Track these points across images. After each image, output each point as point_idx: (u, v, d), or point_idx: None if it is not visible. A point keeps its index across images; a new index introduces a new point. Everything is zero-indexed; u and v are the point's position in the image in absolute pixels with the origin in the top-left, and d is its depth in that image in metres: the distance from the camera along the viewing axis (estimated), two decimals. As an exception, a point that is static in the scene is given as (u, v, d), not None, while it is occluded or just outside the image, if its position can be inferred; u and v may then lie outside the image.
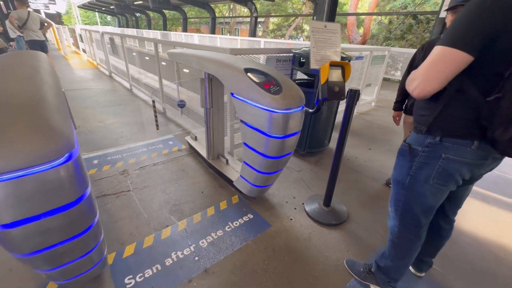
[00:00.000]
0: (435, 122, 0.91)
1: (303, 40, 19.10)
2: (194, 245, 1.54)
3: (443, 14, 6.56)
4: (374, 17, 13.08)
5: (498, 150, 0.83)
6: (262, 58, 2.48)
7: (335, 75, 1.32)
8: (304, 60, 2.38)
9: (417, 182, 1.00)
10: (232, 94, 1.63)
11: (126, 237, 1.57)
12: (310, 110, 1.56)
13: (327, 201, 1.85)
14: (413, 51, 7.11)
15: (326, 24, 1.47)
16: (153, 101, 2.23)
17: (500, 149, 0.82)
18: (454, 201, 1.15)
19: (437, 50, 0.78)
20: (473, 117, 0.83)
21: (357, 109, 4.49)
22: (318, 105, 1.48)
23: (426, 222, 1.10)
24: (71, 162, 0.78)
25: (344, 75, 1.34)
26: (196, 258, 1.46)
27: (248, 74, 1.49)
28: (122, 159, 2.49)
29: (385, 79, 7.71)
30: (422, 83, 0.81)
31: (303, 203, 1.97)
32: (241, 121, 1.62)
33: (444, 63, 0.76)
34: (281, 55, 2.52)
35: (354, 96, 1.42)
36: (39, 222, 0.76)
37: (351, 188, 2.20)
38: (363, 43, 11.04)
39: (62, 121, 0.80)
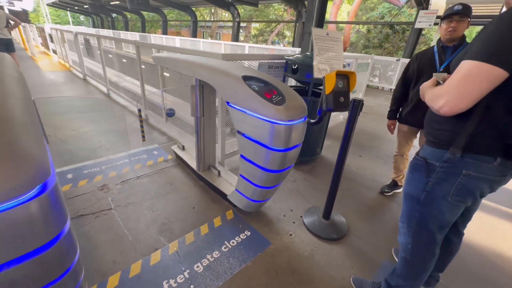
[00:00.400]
0: (458, 138, 0.86)
1: (284, 46, 19.43)
2: (188, 271, 1.39)
3: (417, 25, 6.94)
4: (353, 25, 13.62)
5: None
6: (253, 64, 2.39)
7: (340, 84, 1.26)
8: (296, 67, 2.32)
9: (435, 198, 0.95)
10: (228, 103, 1.51)
11: (108, 266, 1.38)
12: (312, 121, 1.49)
13: (327, 213, 1.78)
14: (392, 59, 7.44)
15: (328, 32, 1.42)
16: (139, 110, 2.04)
17: None
18: (466, 214, 1.12)
19: (468, 65, 0.73)
20: (499, 135, 0.80)
21: (343, 115, 4.55)
22: (321, 115, 1.42)
23: (441, 238, 1.06)
24: (45, 194, 0.62)
25: (349, 84, 1.29)
26: (192, 287, 1.30)
27: (247, 82, 1.39)
28: (101, 172, 2.25)
29: (366, 86, 8.00)
30: (453, 101, 0.75)
31: (301, 216, 1.88)
32: (239, 132, 1.51)
33: (478, 79, 0.71)
34: (273, 61, 2.45)
35: (358, 106, 1.37)
36: (1, 274, 0.59)
37: (346, 196, 2.16)
38: (343, 50, 11.43)
39: (33, 142, 0.64)
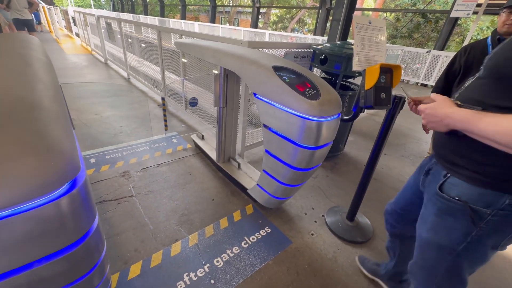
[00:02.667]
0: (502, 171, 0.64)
1: (304, 33, 18.73)
2: (208, 265, 1.37)
3: (454, 13, 6.40)
4: (380, 13, 12.82)
5: None
6: (278, 53, 2.27)
7: (383, 79, 1.13)
8: (324, 57, 2.18)
9: (479, 248, 0.74)
10: (255, 94, 1.43)
11: (130, 254, 1.39)
12: (346, 117, 1.38)
13: (352, 215, 1.70)
14: (421, 50, 6.96)
15: (371, 20, 1.28)
16: (163, 98, 2.00)
17: None
18: None
19: None
20: None
21: (367, 110, 4.34)
22: (356, 112, 1.31)
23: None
24: (75, 191, 0.58)
25: (392, 80, 1.16)
26: (212, 282, 1.29)
27: (278, 73, 1.29)
28: (122, 158, 2.27)
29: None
30: None
31: (323, 215, 1.81)
32: (265, 125, 1.43)
33: None
34: (300, 50, 2.32)
35: (399, 104, 1.25)
36: (31, 272, 0.57)
37: (371, 198, 2.05)
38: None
39: (63, 135, 0.60)
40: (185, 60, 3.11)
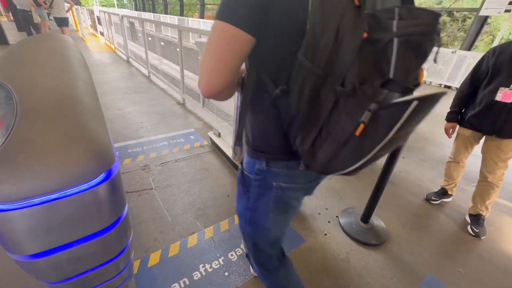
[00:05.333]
0: (254, 140, 0.69)
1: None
2: (223, 258, 1.42)
3: (483, 12, 6.07)
4: (401, 11, 12.33)
5: (303, 163, 0.61)
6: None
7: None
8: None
9: (257, 216, 0.81)
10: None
11: (150, 243, 1.46)
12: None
13: (366, 217, 1.68)
14: (447, 50, 6.66)
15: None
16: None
17: (304, 163, 0.60)
18: None
19: (215, 24, 0.52)
20: (279, 132, 0.63)
21: (385, 111, 4.23)
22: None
23: (277, 251, 0.97)
24: (110, 180, 0.64)
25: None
26: (226, 274, 1.33)
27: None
28: (143, 152, 2.38)
29: (410, 79, 7.30)
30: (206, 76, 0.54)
31: (337, 216, 1.81)
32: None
33: (225, 44, 0.51)
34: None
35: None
36: (70, 250, 0.64)
37: (388, 202, 2.02)
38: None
39: (100, 128, 0.66)
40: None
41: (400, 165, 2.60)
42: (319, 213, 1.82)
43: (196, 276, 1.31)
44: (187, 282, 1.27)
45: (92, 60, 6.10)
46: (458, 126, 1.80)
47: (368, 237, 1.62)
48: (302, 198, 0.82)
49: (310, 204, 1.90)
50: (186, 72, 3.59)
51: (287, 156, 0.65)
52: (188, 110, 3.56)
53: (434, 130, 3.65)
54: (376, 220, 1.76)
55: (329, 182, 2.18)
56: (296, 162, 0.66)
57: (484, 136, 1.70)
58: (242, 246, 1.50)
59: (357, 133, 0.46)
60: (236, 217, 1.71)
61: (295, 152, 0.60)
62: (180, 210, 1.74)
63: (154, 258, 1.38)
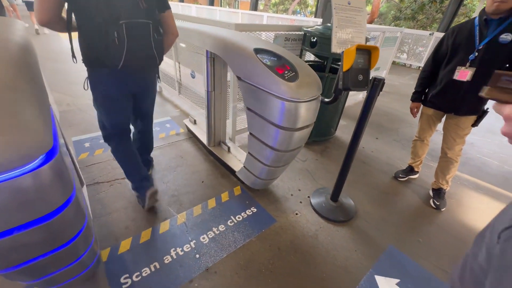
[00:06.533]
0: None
1: (306, 16, 18.14)
2: (194, 241, 1.45)
3: (459, -7, 6.14)
4: (384, -7, 12.29)
5: None
6: (268, 36, 2.24)
7: (360, 60, 1.14)
8: (315, 40, 2.15)
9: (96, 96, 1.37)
10: (238, 77, 1.44)
11: (121, 231, 1.47)
12: (326, 100, 1.40)
13: (335, 195, 1.75)
14: (424, 33, 6.76)
15: (350, 1, 1.26)
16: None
17: None
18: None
19: None
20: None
21: (363, 94, 4.30)
22: (336, 94, 1.32)
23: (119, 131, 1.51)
24: (48, 165, 0.63)
25: (370, 61, 1.16)
26: (197, 256, 1.37)
27: (259, 55, 1.30)
28: (116, 142, 2.32)
29: (392, 63, 7.41)
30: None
31: (308, 197, 1.87)
32: (248, 108, 1.46)
33: None
34: (290, 33, 2.28)
35: (378, 85, 1.26)
36: (12, 237, 0.63)
37: (358, 181, 2.11)
38: (370, 22, 10.47)
39: (35, 113, 0.64)
40: (183, 45, 3.08)
41: (373, 146, 2.69)
42: (291, 194, 1.88)
43: (167, 260, 1.33)
44: (158, 266, 1.30)
45: (61, 48, 5.75)
46: (422, 105, 1.87)
47: (336, 214, 1.69)
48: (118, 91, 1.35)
49: (283, 185, 1.95)
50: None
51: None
52: (165, 98, 3.48)
53: (408, 111, 3.76)
54: (345, 198, 1.84)
55: (302, 164, 2.24)
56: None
57: (445, 115, 1.78)
58: (214, 229, 1.54)
59: None
60: (209, 201, 1.74)
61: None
62: (153, 197, 1.73)
63: (124, 245, 1.39)
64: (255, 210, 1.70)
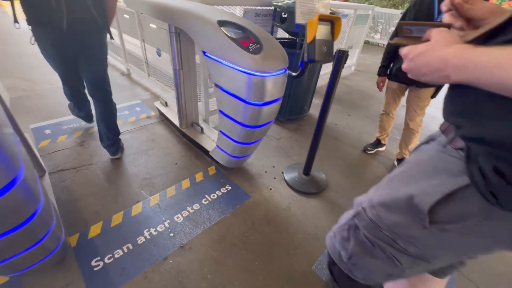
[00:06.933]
0: None
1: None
2: (168, 221, 1.45)
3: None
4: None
5: None
6: (238, 11, 2.16)
7: (324, 32, 1.14)
8: (286, 16, 2.11)
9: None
10: (204, 52, 1.39)
11: (91, 217, 1.42)
12: (294, 74, 1.40)
13: (307, 169, 1.81)
14: (395, 11, 6.88)
15: (315, -32, 1.23)
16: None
17: None
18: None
19: None
20: None
21: (338, 73, 4.37)
22: (303, 67, 1.32)
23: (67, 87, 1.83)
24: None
25: (333, 32, 1.17)
26: (172, 234, 1.37)
27: (223, 28, 1.25)
28: (80, 128, 2.19)
29: (365, 42, 7.51)
30: None
31: (282, 172, 1.92)
32: (216, 85, 1.43)
33: None
34: (260, 8, 2.22)
35: (342, 57, 1.27)
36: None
37: (330, 156, 2.19)
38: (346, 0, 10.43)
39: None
40: (154, 26, 2.88)
41: (346, 122, 2.78)
42: (266, 171, 1.92)
43: (140, 241, 1.33)
44: (131, 247, 1.29)
45: (11, 29, 5.15)
46: (387, 79, 1.94)
47: (308, 187, 1.76)
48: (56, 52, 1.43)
49: (257, 163, 1.98)
50: (125, 36, 3.23)
51: None
52: (134, 81, 3.29)
53: (379, 89, 3.90)
54: (317, 172, 1.91)
55: (277, 142, 2.27)
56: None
57: (408, 88, 1.86)
58: (188, 208, 1.54)
59: None
60: (183, 182, 1.72)
61: None
62: (124, 182, 1.69)
63: (95, 230, 1.36)
64: (230, 188, 1.72)
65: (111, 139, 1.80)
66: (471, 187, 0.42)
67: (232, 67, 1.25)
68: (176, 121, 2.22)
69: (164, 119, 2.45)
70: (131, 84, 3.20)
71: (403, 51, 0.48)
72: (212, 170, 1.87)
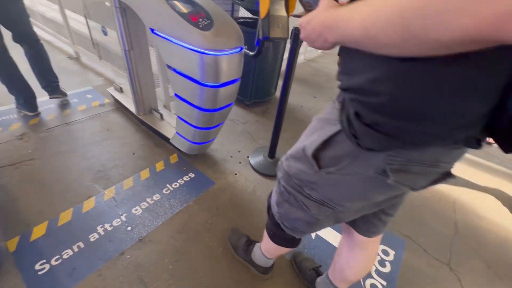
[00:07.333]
0: None
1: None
2: (125, 214, 1.36)
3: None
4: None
5: None
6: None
7: (277, 6, 1.08)
8: (246, -8, 2.00)
9: None
10: (152, 30, 1.26)
11: (33, 217, 1.28)
12: (251, 53, 1.34)
13: (272, 152, 1.81)
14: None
15: None
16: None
17: None
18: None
19: None
20: None
21: (304, 56, 4.37)
22: (259, 46, 1.26)
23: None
24: None
25: (287, 7, 1.12)
26: (129, 228, 1.29)
27: (170, 2, 1.14)
28: (19, 119, 1.93)
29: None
30: None
31: (248, 157, 1.89)
32: (168, 66, 1.32)
33: None
34: (218, -17, 2.06)
35: (298, 35, 1.23)
36: None
37: (296, 137, 2.17)
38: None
39: None
40: (108, 4, 2.54)
41: (311, 104, 2.81)
42: (231, 156, 1.88)
43: (93, 238, 1.23)
44: (82, 246, 1.19)
45: None
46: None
47: (273, 170, 1.77)
48: None
49: (222, 149, 1.93)
50: (69, 13, 2.85)
51: None
52: (84, 66, 2.96)
53: (344, 70, 3.98)
54: (283, 154, 1.91)
55: (243, 127, 2.23)
56: None
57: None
58: (148, 199, 1.46)
59: None
60: (142, 173, 1.62)
61: None
62: (74, 176, 1.54)
63: (38, 231, 1.22)
64: (193, 175, 1.66)
65: (48, 79, 1.97)
66: (342, 132, 0.50)
67: (182, 46, 1.15)
68: (132, 108, 2.05)
69: (120, 106, 2.25)
70: (81, 69, 2.88)
71: (300, 20, 0.53)
72: (174, 158, 1.78)
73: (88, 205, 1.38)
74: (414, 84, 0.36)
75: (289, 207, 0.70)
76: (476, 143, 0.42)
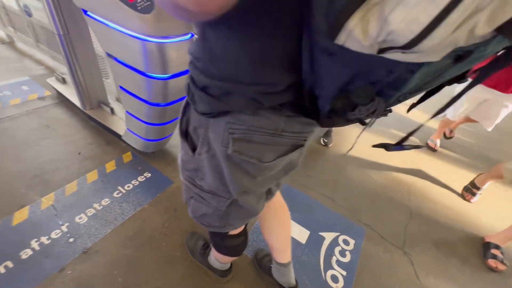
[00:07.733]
0: None
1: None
2: (67, 224, 1.20)
3: None
4: None
5: None
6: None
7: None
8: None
9: None
10: (84, 11, 1.08)
11: None
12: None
13: (236, 147, 1.73)
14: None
15: None
16: None
17: None
18: None
19: None
20: None
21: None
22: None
23: None
24: None
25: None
26: (71, 240, 1.15)
27: (101, -24, 0.97)
28: None
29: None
30: None
31: (211, 152, 1.80)
32: (108, 54, 1.15)
33: None
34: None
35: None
36: None
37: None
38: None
39: None
40: None
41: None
42: (192, 152, 1.76)
43: (26, 254, 1.07)
44: (11, 265, 1.03)
45: None
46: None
47: (237, 165, 1.70)
48: None
49: (183, 145, 1.81)
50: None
51: None
52: (20, 52, 2.57)
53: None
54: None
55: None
56: None
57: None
58: (95, 205, 1.31)
59: None
60: (89, 175, 1.45)
61: None
62: (3, 183, 1.32)
63: (-48, 252, 1.03)
64: (149, 175, 1.53)
65: None
66: (190, 104, 0.50)
67: (120, 31, 1.00)
68: (77, 101, 1.82)
69: (63, 100, 1.99)
70: (16, 56, 2.49)
71: None
72: (127, 156, 1.63)
73: (20, 216, 1.19)
74: (220, 48, 0.39)
75: (195, 203, 0.66)
76: (314, 114, 0.41)
